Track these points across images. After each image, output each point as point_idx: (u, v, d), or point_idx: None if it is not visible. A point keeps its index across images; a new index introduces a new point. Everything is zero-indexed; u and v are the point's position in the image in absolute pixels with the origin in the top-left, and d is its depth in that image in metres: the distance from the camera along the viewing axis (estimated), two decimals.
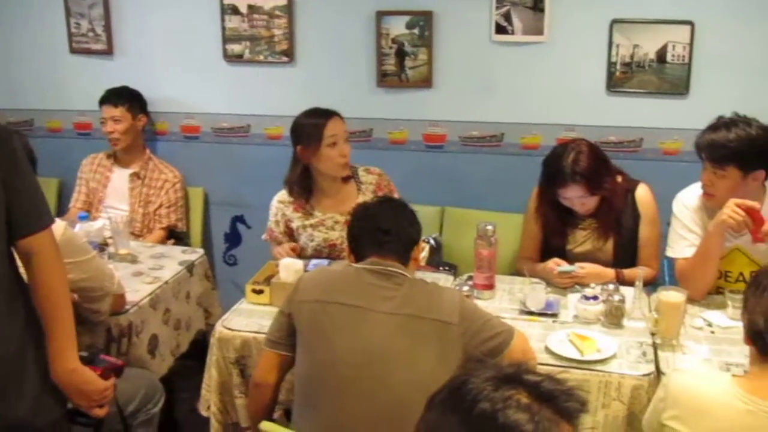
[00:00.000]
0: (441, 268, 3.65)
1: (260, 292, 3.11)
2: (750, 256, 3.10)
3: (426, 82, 4.12)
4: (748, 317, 2.06)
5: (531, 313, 3.01)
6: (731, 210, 2.90)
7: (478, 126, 4.15)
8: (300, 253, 3.44)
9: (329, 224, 3.45)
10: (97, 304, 2.86)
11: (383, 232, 2.51)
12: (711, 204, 3.06)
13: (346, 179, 3.52)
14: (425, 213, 3.97)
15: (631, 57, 3.91)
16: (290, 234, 3.53)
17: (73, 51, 4.53)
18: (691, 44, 3.84)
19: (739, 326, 2.42)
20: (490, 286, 3.17)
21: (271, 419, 2.67)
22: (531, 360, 2.58)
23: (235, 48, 4.29)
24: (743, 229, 2.93)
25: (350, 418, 2.32)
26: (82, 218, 3.64)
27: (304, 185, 3.48)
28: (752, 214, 2.89)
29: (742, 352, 2.60)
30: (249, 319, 2.98)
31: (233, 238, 4.64)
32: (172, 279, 3.43)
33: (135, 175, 4.27)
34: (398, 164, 4.06)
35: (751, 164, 2.96)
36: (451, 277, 3.43)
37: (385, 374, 2.31)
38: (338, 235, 3.41)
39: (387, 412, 2.27)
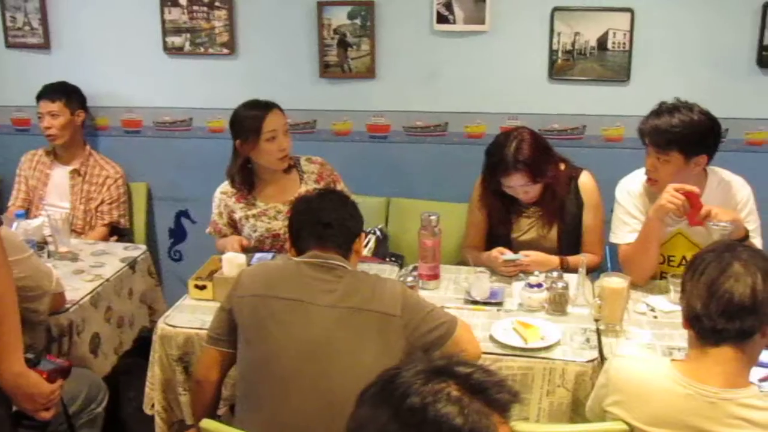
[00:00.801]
0: (387, 260, 3.64)
1: (203, 287, 3.07)
2: (692, 240, 3.13)
3: (369, 72, 4.09)
4: (686, 301, 2.07)
5: (476, 302, 3.01)
6: (670, 194, 2.93)
7: (421, 116, 4.14)
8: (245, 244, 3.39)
9: (272, 214, 3.42)
10: (35, 303, 2.81)
11: (324, 225, 2.49)
12: (654, 189, 3.08)
13: (287, 169, 3.49)
14: (370, 204, 3.98)
15: (573, 45, 3.92)
16: (234, 225, 3.50)
17: (9, 45, 4.43)
18: (631, 31, 3.87)
19: (680, 310, 2.44)
20: (435, 276, 3.17)
21: (215, 416, 2.65)
22: (474, 350, 2.58)
23: (175, 40, 4.23)
24: (683, 213, 2.95)
25: (293, 413, 2.29)
26: (19, 216, 3.57)
27: (245, 176, 3.45)
28: (690, 198, 2.92)
29: (684, 336, 2.60)
30: (192, 316, 2.94)
31: (178, 234, 4.59)
32: (113, 276, 3.38)
33: (75, 172, 4.18)
34: (342, 155, 4.02)
35: (694, 149, 2.99)
36: (396, 268, 3.42)
37: (327, 368, 2.29)
38: (281, 225, 3.37)
39: (330, 406, 2.25)
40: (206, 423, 2.22)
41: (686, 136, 2.97)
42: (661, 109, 3.03)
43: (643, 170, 3.17)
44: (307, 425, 2.26)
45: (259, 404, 2.36)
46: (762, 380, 2.27)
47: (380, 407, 1.23)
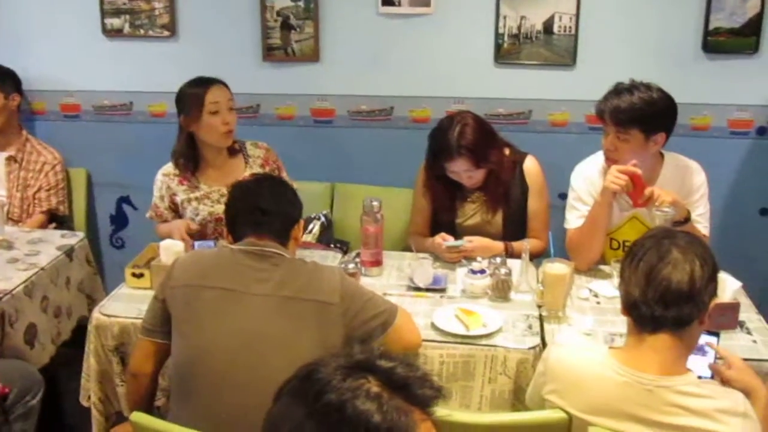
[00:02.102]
0: (332, 246, 3.59)
1: (140, 275, 3.01)
2: (647, 225, 3.11)
3: (313, 55, 4.03)
4: (624, 288, 2.06)
5: (418, 289, 2.97)
6: (614, 175, 2.93)
7: (366, 100, 4.09)
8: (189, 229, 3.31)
9: (215, 197, 3.34)
10: None
11: (261, 211, 2.43)
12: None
13: (233, 152, 3.42)
14: (315, 189, 3.94)
15: (519, 29, 3.89)
16: (175, 209, 3.41)
17: None
18: (577, 15, 3.84)
19: None
20: (377, 263, 3.13)
21: (153, 407, 2.60)
22: (415, 338, 2.56)
23: (114, 22, 4.12)
24: (627, 192, 2.95)
25: (227, 406, 2.24)
26: None
27: (189, 156, 3.36)
28: (634, 179, 2.91)
29: (626, 322, 2.61)
30: (128, 305, 2.87)
31: (119, 220, 4.50)
32: (49, 265, 3.30)
33: (11, 159, 4.05)
34: (286, 140, 3.96)
35: (654, 127, 3.00)
36: (339, 255, 3.38)
37: (262, 360, 2.24)
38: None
39: (266, 399, 2.19)
40: (137, 416, 2.16)
41: (646, 114, 2.97)
42: (620, 88, 3.03)
43: (599, 155, 3.16)
44: (243, 418, 2.19)
45: (192, 397, 2.30)
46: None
47: (296, 404, 1.18)
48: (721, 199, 3.89)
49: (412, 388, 1.19)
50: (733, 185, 4.01)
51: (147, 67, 4.19)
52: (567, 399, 2.07)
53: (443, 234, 3.22)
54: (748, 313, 2.82)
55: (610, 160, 3.07)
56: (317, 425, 1.15)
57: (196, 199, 3.36)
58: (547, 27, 3.87)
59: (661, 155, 3.16)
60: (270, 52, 4.06)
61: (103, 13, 4.12)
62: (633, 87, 3.02)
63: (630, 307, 2.03)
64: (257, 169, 3.39)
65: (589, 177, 3.20)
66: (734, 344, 2.61)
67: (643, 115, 2.97)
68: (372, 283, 3.00)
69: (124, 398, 2.81)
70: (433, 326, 2.68)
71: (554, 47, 3.89)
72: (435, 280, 3.00)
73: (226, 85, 3.34)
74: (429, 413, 1.20)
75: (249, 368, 2.24)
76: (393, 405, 1.15)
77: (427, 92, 4.04)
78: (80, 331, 3.43)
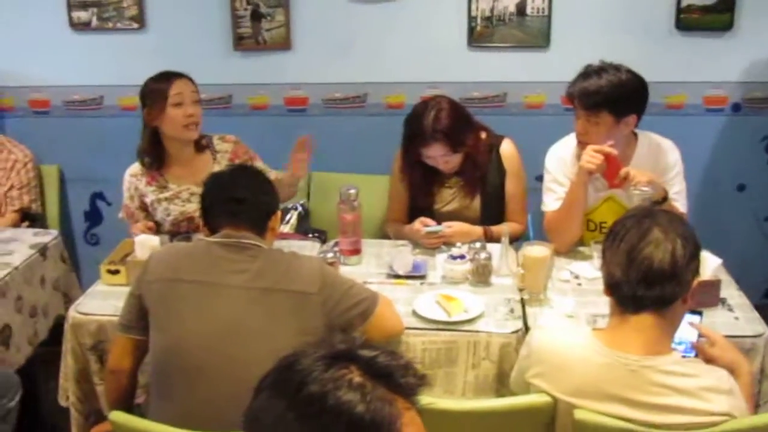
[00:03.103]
0: (310, 235, 3.56)
1: (116, 272, 2.96)
2: (623, 205, 3.10)
3: (284, 44, 3.99)
4: (606, 268, 2.04)
5: (398, 276, 2.95)
6: (589, 155, 2.92)
7: (340, 87, 4.06)
8: (158, 229, 3.27)
9: (185, 196, 3.30)
10: None
11: (237, 201, 2.40)
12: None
13: (200, 148, 3.36)
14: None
15: (491, 11, 3.87)
16: (146, 210, 3.36)
17: None
18: None
19: None
20: (356, 251, 3.10)
21: (133, 404, 2.56)
22: (397, 326, 2.54)
23: (81, 15, 4.06)
24: (602, 172, 2.95)
25: (207, 400, 2.20)
26: None
27: (154, 153, 3.30)
28: (609, 160, 2.90)
29: (607, 303, 2.60)
30: (104, 302, 2.83)
31: (93, 217, 4.44)
32: (22, 264, 3.24)
33: None
34: (260, 130, 3.93)
35: (624, 109, 2.98)
36: (318, 244, 3.35)
37: (241, 352, 2.21)
38: (195, 207, 3.23)
39: (246, 392, 2.16)
40: (116, 416, 2.12)
41: (615, 96, 2.95)
42: (589, 71, 3.02)
43: (572, 136, 3.15)
44: (223, 412, 2.15)
45: (171, 393, 2.27)
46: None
47: (277, 396, 1.15)
48: (698, 177, 3.91)
49: (395, 377, 1.16)
50: (710, 162, 4.02)
51: (116, 60, 4.13)
52: (551, 382, 2.05)
53: (423, 219, 3.19)
54: (728, 289, 2.82)
55: (582, 143, 3.05)
56: (299, 417, 1.12)
57: (166, 199, 3.30)
58: (520, 8, 3.86)
59: (635, 135, 3.15)
60: (241, 42, 4.02)
61: (70, 6, 4.06)
62: (601, 69, 3.00)
63: (612, 288, 2.01)
64: (225, 164, 3.32)
65: (564, 158, 3.19)
66: (716, 321, 2.60)
67: (612, 98, 2.95)
68: (351, 271, 2.97)
69: (103, 396, 2.76)
70: (415, 313, 2.66)
71: (528, 29, 3.88)
72: (415, 267, 2.98)
73: (191, 80, 3.28)
74: (413, 402, 1.17)
75: (229, 361, 2.21)
76: (376, 395, 1.12)
77: (401, 78, 4.01)
78: (59, 329, 3.39)
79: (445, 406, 2.11)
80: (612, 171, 2.93)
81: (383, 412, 1.12)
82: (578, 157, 3.06)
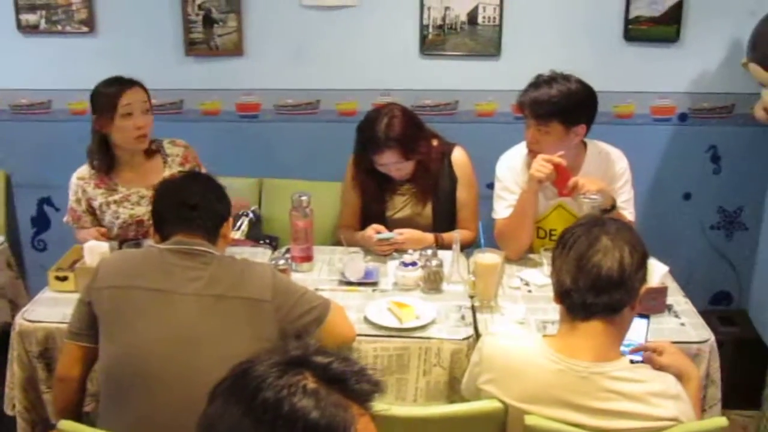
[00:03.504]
0: (261, 242, 3.54)
1: (64, 278, 2.92)
2: (573, 213, 3.14)
3: (237, 49, 3.97)
4: (556, 276, 2.07)
5: (350, 283, 2.95)
6: (539, 164, 2.95)
7: (292, 93, 4.05)
8: (107, 234, 3.23)
9: (134, 199, 3.26)
10: None
11: (189, 207, 2.38)
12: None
13: (150, 153, 3.33)
14: (243, 185, 3.87)
15: (443, 19, 3.89)
16: (93, 214, 3.31)
17: None
18: (500, 5, 3.87)
19: None
20: (308, 258, 3.10)
21: (81, 413, 2.53)
22: (349, 332, 2.54)
23: (29, 18, 3.99)
24: (551, 182, 2.99)
25: (160, 409, 2.18)
26: None
27: (104, 156, 3.26)
28: (558, 169, 2.94)
29: (557, 309, 2.62)
30: (52, 309, 2.78)
31: (41, 222, 4.37)
32: None
33: None
34: (212, 136, 3.91)
35: (573, 118, 3.01)
36: (269, 251, 3.33)
37: (195, 360, 2.19)
38: (145, 211, 3.21)
39: (200, 399, 2.14)
40: (65, 425, 2.09)
41: (565, 106, 2.98)
42: (539, 81, 3.04)
43: (523, 145, 3.17)
44: (176, 420, 2.12)
45: (123, 402, 2.24)
46: (634, 351, 2.29)
47: (232, 403, 1.15)
48: (646, 185, 3.96)
49: (350, 383, 1.17)
50: (657, 171, 4.09)
51: (66, 64, 4.07)
52: (502, 388, 2.07)
53: (375, 226, 3.20)
54: (675, 296, 2.87)
55: (532, 153, 3.08)
56: (254, 424, 1.12)
57: (115, 202, 3.26)
58: (472, 17, 3.88)
59: (584, 144, 3.18)
60: (192, 47, 3.98)
61: (18, 9, 3.99)
62: (551, 79, 3.03)
63: (562, 295, 2.04)
64: (176, 168, 3.30)
65: (514, 167, 3.22)
66: (663, 327, 2.65)
67: (562, 108, 2.98)
68: (303, 278, 2.97)
69: (51, 405, 2.72)
70: (366, 320, 2.67)
71: (479, 37, 3.91)
72: (366, 274, 2.98)
73: (143, 87, 3.24)
74: (367, 408, 1.18)
75: (182, 369, 2.19)
76: (331, 400, 1.13)
77: (354, 85, 4.01)
78: (4, 337, 3.33)
79: (398, 412, 2.11)
80: (562, 180, 2.96)
81: (338, 418, 1.12)
82: (529, 165, 3.08)
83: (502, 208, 3.19)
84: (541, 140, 3.04)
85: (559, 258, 2.04)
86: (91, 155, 3.26)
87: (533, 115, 3.02)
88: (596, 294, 1.96)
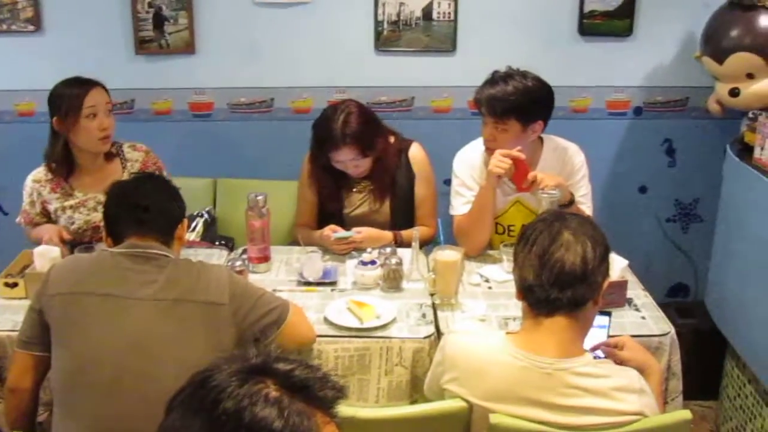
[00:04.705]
0: (217, 243, 3.49)
1: (14, 285, 2.84)
2: (531, 209, 3.13)
3: (188, 47, 3.90)
4: (518, 272, 2.04)
5: (308, 283, 2.91)
6: (497, 159, 2.94)
7: (246, 92, 4.00)
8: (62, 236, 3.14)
9: (91, 205, 3.18)
10: None
11: (142, 209, 2.33)
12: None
13: (109, 156, 3.26)
14: (197, 185, 3.82)
15: (398, 15, 3.87)
16: (47, 216, 3.23)
17: None
18: (455, 1, 3.85)
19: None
20: (265, 258, 3.05)
21: (34, 424, 2.46)
22: (308, 334, 2.50)
23: None
24: (510, 177, 2.97)
25: (115, 417, 2.12)
26: None
27: (64, 161, 3.18)
28: (517, 164, 2.93)
29: (519, 305, 2.60)
30: (2, 317, 2.71)
31: None
32: None
33: None
34: (165, 136, 3.83)
35: (530, 115, 3.01)
36: (225, 252, 3.28)
37: (151, 367, 2.13)
38: (101, 217, 3.14)
39: (156, 408, 2.09)
40: None
41: (522, 104, 2.98)
42: (495, 78, 3.03)
43: (480, 141, 3.16)
44: (131, 430, 2.09)
45: (77, 411, 2.18)
46: (593, 349, 2.28)
47: (191, 415, 1.10)
48: (602, 179, 3.98)
49: (313, 390, 1.13)
50: (613, 165, 4.10)
51: (11, 64, 3.97)
52: (466, 387, 2.04)
53: (332, 226, 3.16)
54: (634, 290, 2.87)
55: (489, 150, 3.07)
56: None
57: (71, 207, 3.18)
58: (426, 13, 3.86)
59: (540, 139, 3.18)
60: (143, 45, 3.91)
61: None
62: (508, 76, 3.02)
63: (525, 291, 2.01)
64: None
65: (472, 163, 3.20)
66: (624, 321, 2.65)
67: (519, 105, 2.98)
68: (260, 279, 2.92)
69: (2, 416, 2.64)
70: (326, 320, 2.63)
71: (434, 33, 3.89)
72: (325, 274, 2.95)
73: (104, 88, 3.17)
74: (332, 415, 1.14)
75: (137, 376, 2.13)
76: (294, 409, 1.09)
77: (308, 82, 3.97)
78: None
79: (361, 414, 2.08)
80: (520, 175, 2.95)
81: (302, 427, 1.08)
82: (486, 162, 3.07)
83: (460, 204, 3.17)
84: (498, 137, 3.02)
85: (521, 254, 2.02)
86: (49, 158, 3.18)
87: (490, 113, 3.01)
88: (560, 289, 1.94)
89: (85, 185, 3.21)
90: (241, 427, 1.06)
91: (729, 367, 3.46)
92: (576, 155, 3.20)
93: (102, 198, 3.08)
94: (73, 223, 3.18)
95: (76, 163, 3.20)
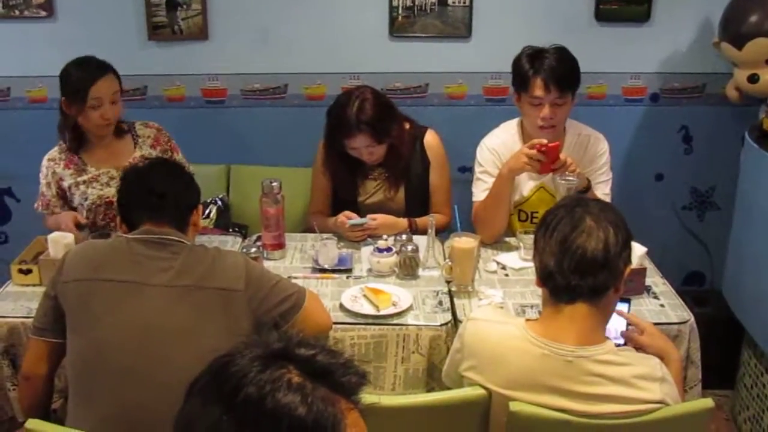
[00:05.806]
0: (230, 230, 3.48)
1: (28, 272, 2.84)
2: (554, 195, 3.08)
3: (201, 33, 3.87)
4: (539, 259, 2.01)
5: (323, 270, 2.89)
6: (524, 155, 2.88)
7: (259, 78, 3.96)
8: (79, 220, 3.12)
9: (104, 180, 3.17)
10: None
11: (157, 195, 2.31)
12: (550, 137, 2.95)
13: (120, 133, 3.25)
14: (210, 173, 3.81)
15: (413, 1, 3.83)
16: (64, 197, 3.22)
17: None
18: None
19: (531, 267, 2.41)
20: (279, 245, 3.04)
21: (48, 411, 2.45)
22: (325, 321, 2.48)
23: None
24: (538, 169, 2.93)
25: (130, 406, 2.11)
26: None
27: (74, 134, 3.18)
28: (548, 150, 2.85)
29: (535, 293, 2.60)
30: (16, 303, 2.71)
31: (1, 214, 4.25)
32: None
33: None
34: (178, 122, 3.80)
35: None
36: (239, 239, 3.27)
37: (166, 354, 2.12)
38: (114, 192, 3.10)
39: (172, 396, 2.06)
40: (33, 423, 2.01)
41: (576, 73, 2.98)
42: (540, 52, 2.99)
43: (503, 127, 3.13)
44: (148, 416, 2.06)
45: (92, 398, 2.16)
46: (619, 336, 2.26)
47: (211, 401, 1.07)
48: (618, 166, 3.91)
49: (336, 376, 1.10)
50: (629, 152, 4.06)
51: (24, 51, 3.95)
52: (485, 375, 2.02)
53: (347, 212, 3.14)
54: (653, 278, 2.85)
55: (546, 129, 3.00)
56: (236, 422, 1.05)
57: (84, 182, 3.18)
58: None
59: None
60: (156, 31, 3.88)
61: None
62: (545, 50, 2.99)
63: (545, 278, 1.98)
64: (147, 150, 3.23)
65: (495, 149, 3.16)
66: (643, 309, 2.63)
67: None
68: (275, 266, 2.91)
69: (17, 403, 2.63)
70: (342, 308, 2.61)
71: (449, 19, 3.85)
72: (340, 261, 2.93)
73: (115, 73, 3.15)
74: (355, 401, 1.12)
75: (153, 363, 2.12)
76: (317, 395, 1.06)
77: (322, 68, 3.94)
78: None
79: (386, 403, 2.05)
80: (551, 160, 2.88)
81: (326, 414, 1.06)
82: (509, 151, 3.03)
83: (480, 191, 3.15)
84: (558, 113, 2.97)
85: (542, 240, 1.99)
86: (63, 130, 3.18)
87: (556, 86, 2.93)
88: (581, 276, 1.91)
89: (98, 160, 3.21)
90: (263, 414, 1.04)
91: (746, 356, 3.42)
92: (600, 142, 3.18)
93: (115, 173, 3.11)
94: (86, 198, 3.16)
95: (86, 139, 3.21)
